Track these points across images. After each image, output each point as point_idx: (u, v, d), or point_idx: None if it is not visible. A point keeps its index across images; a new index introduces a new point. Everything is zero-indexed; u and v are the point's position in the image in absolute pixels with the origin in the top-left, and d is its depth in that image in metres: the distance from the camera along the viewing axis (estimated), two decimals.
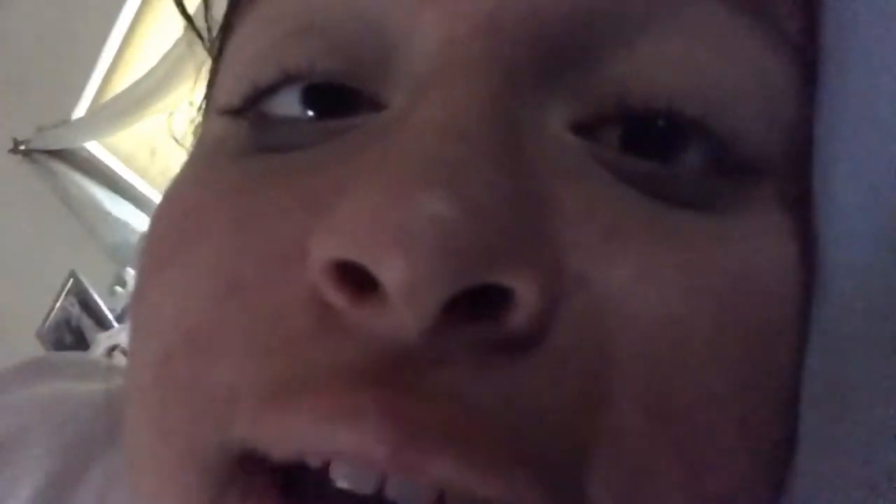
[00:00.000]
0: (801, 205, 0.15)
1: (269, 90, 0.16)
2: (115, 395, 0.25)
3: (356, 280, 0.12)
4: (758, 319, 0.14)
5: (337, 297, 0.12)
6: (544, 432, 0.12)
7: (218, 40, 0.20)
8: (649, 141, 0.14)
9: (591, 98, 0.15)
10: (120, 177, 1.55)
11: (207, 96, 0.21)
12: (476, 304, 0.12)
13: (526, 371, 0.12)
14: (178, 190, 0.17)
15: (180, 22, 0.25)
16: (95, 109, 1.55)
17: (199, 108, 0.22)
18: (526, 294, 0.12)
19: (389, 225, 0.11)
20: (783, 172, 0.15)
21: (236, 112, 0.17)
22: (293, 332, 0.13)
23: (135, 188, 1.53)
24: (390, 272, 0.11)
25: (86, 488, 0.24)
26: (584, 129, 0.15)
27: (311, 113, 0.16)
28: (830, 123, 0.14)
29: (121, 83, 1.51)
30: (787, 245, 0.15)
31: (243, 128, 0.17)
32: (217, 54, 0.20)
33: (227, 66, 0.18)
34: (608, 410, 0.12)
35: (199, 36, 0.23)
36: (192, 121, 0.23)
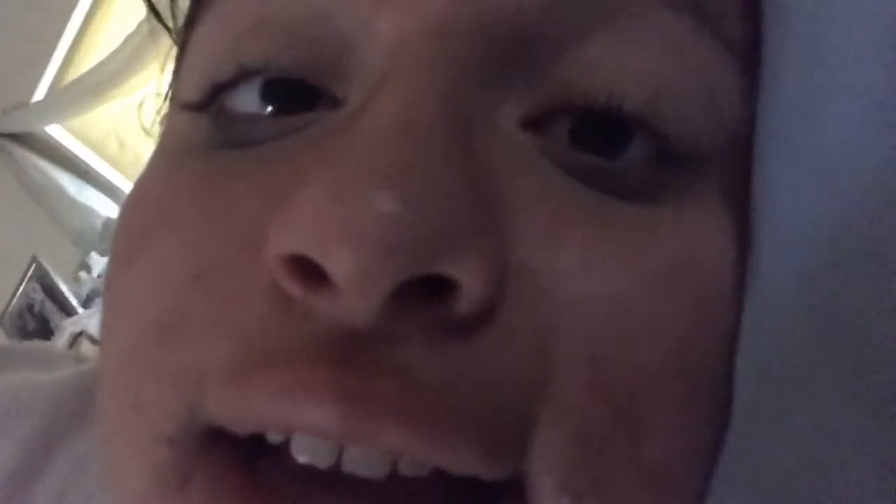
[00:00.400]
0: (741, 200, 0.16)
1: (228, 86, 0.17)
2: (84, 379, 0.26)
3: (310, 269, 0.13)
4: (693, 302, 0.15)
5: (292, 287, 0.13)
6: (490, 404, 0.13)
7: (182, 32, 0.21)
8: (596, 136, 0.15)
9: (540, 95, 0.15)
10: (84, 162, 1.52)
11: (172, 89, 0.21)
12: (426, 289, 0.13)
13: (474, 348, 0.13)
14: (145, 183, 0.18)
15: (142, 4, 0.25)
16: (56, 92, 1.51)
17: (165, 99, 0.22)
18: (469, 283, 0.13)
19: (336, 222, 0.12)
20: (725, 169, 0.16)
21: (198, 107, 0.18)
22: (254, 316, 0.14)
23: (99, 173, 1.50)
24: (337, 266, 0.12)
25: (45, 482, 0.24)
26: (535, 124, 0.15)
27: (270, 108, 0.17)
28: (769, 126, 0.15)
29: (82, 66, 1.48)
30: (725, 236, 0.15)
31: (205, 123, 0.17)
32: (181, 48, 0.21)
33: (189, 61, 0.19)
34: (552, 384, 0.13)
35: (165, 27, 0.23)
36: (159, 111, 0.24)
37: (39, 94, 1.54)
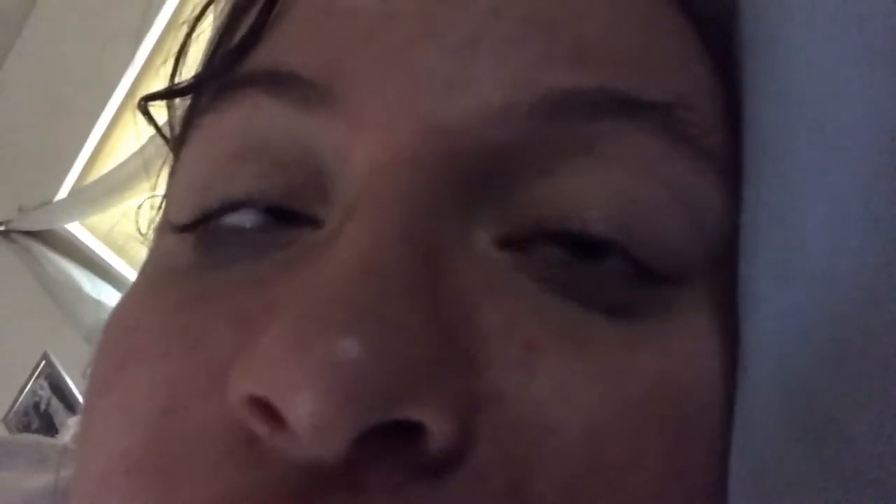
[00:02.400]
0: (728, 307, 0.15)
1: (214, 215, 0.17)
2: (60, 491, 0.25)
3: (274, 410, 0.12)
4: (676, 428, 0.14)
5: (258, 426, 0.13)
6: None
7: (174, 149, 0.21)
8: (574, 252, 0.15)
9: (512, 220, 0.15)
10: (99, 257, 1.55)
11: (162, 209, 0.21)
12: (393, 431, 0.13)
13: (444, 492, 0.13)
14: (123, 310, 0.18)
15: (161, 116, 0.27)
16: (76, 192, 1.56)
17: (158, 209, 0.22)
18: (435, 425, 0.13)
19: (293, 368, 0.12)
20: (710, 278, 0.15)
21: (184, 229, 0.18)
22: (221, 456, 0.13)
23: (113, 268, 1.52)
24: (295, 414, 0.12)
25: None
26: (510, 243, 0.15)
27: (254, 221, 0.17)
28: (750, 232, 0.15)
29: (103, 169, 1.53)
30: (711, 347, 0.15)
31: (189, 244, 0.18)
32: (172, 165, 0.21)
33: (178, 183, 0.19)
34: None
35: (168, 144, 0.24)
36: (152, 220, 0.24)
37: (62, 195, 1.59)
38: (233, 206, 0.17)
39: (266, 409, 0.13)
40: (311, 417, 0.12)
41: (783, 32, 0.15)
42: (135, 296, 0.18)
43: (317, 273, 0.14)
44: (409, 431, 0.13)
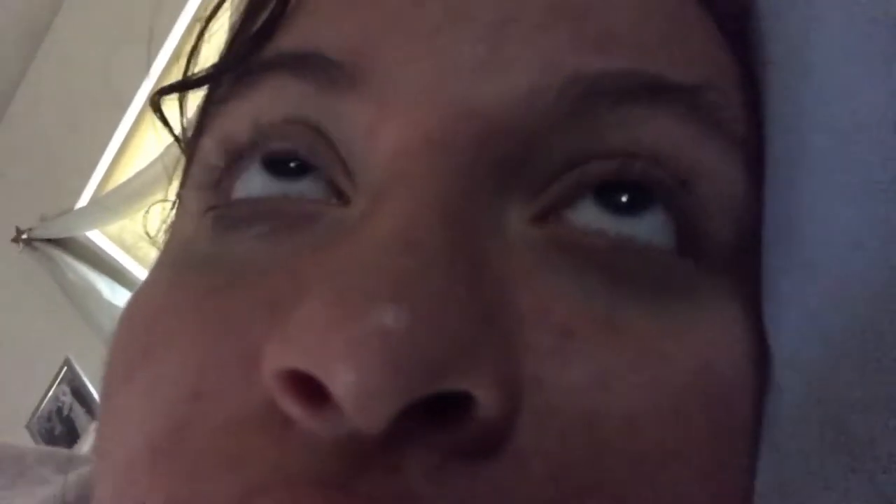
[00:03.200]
0: (752, 296, 0.15)
1: (242, 151, 0.17)
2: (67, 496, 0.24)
3: (310, 387, 0.12)
4: (715, 411, 0.14)
5: (292, 407, 0.12)
6: None
7: (191, 143, 0.21)
8: (605, 199, 0.15)
9: (546, 196, 0.15)
10: (119, 263, 1.57)
11: (178, 198, 0.21)
12: (434, 409, 0.12)
13: (485, 476, 0.12)
14: (143, 296, 0.17)
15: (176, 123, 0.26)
16: (96, 200, 1.58)
17: (172, 207, 0.22)
18: (484, 396, 0.12)
19: (339, 338, 0.12)
20: (736, 266, 0.15)
21: (205, 187, 0.17)
22: (252, 442, 0.13)
23: (133, 275, 1.54)
24: (340, 385, 0.11)
25: None
26: (545, 217, 0.15)
27: (272, 188, 0.17)
28: (773, 222, 0.15)
29: (123, 176, 1.55)
30: (741, 335, 0.15)
31: (207, 228, 0.17)
32: (188, 158, 0.21)
33: (195, 167, 0.19)
34: None
35: (180, 144, 0.24)
36: (164, 220, 0.24)
37: (83, 203, 1.61)
38: (265, 135, 0.17)
39: (303, 386, 0.12)
40: (359, 387, 0.11)
41: (800, 29, 0.15)
42: (156, 282, 0.18)
43: (354, 249, 0.13)
44: (451, 409, 0.12)
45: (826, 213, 0.14)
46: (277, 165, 0.17)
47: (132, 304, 0.17)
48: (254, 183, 0.17)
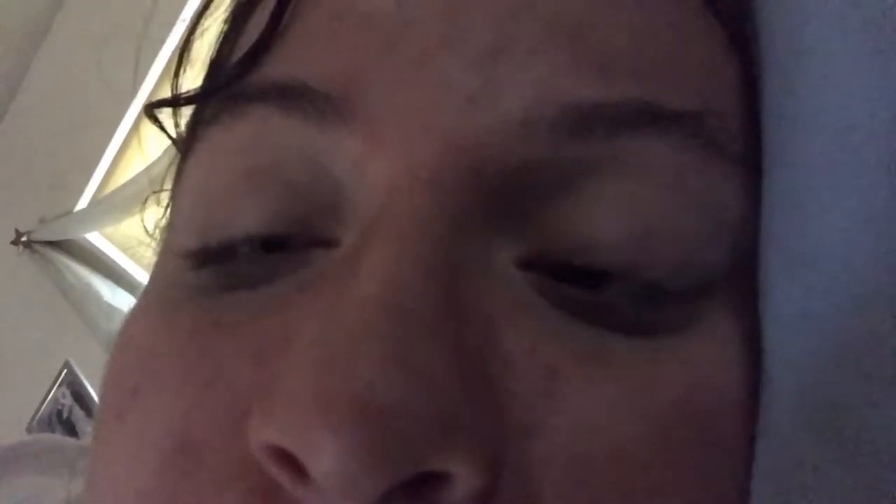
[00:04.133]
0: (749, 307, 0.15)
1: (217, 250, 0.16)
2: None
3: (296, 461, 0.12)
4: (705, 435, 0.14)
5: (278, 476, 0.12)
6: None
7: (178, 161, 0.20)
8: (583, 272, 0.15)
9: (533, 241, 0.15)
10: (118, 265, 1.57)
11: (166, 225, 0.21)
12: (419, 481, 0.12)
13: None
14: (134, 330, 0.17)
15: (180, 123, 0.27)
16: (95, 203, 1.58)
17: (165, 211, 0.22)
18: (463, 473, 0.12)
19: (319, 420, 0.11)
20: (730, 282, 0.15)
21: (189, 254, 0.17)
22: (235, 501, 0.13)
23: (133, 277, 1.54)
24: (321, 469, 0.11)
25: None
26: (530, 263, 0.15)
27: (263, 252, 0.16)
28: (769, 228, 0.15)
29: (121, 179, 1.55)
30: (734, 353, 0.15)
31: (192, 266, 0.17)
32: (176, 176, 0.20)
33: (182, 199, 0.18)
34: None
35: (178, 147, 0.23)
36: (157, 223, 0.24)
37: (82, 205, 1.61)
38: (236, 244, 0.16)
39: (288, 460, 0.12)
40: (338, 475, 0.11)
41: (797, 28, 0.15)
42: (145, 316, 0.17)
43: (337, 307, 0.13)
44: (435, 479, 0.12)
45: (823, 211, 0.14)
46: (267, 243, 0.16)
47: (126, 332, 0.17)
48: (243, 251, 0.17)
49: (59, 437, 0.31)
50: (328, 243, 0.16)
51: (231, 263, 0.16)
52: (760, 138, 0.16)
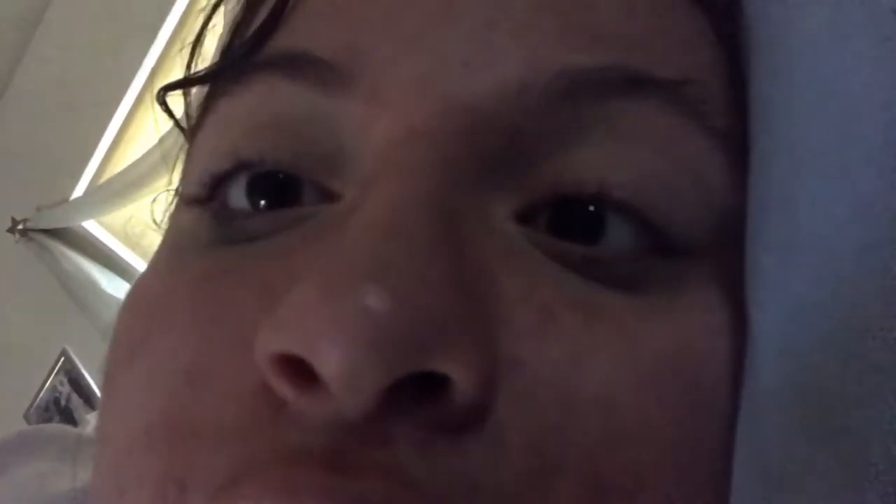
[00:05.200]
0: (735, 284, 0.15)
1: (225, 178, 0.17)
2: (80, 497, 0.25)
3: (300, 370, 0.12)
4: (689, 392, 0.14)
5: (283, 388, 0.13)
6: None
7: (190, 135, 0.21)
8: (578, 223, 0.16)
9: (529, 192, 0.16)
10: (115, 254, 1.57)
11: (178, 188, 0.22)
12: (417, 385, 0.13)
13: (467, 450, 0.13)
14: (145, 282, 0.18)
15: (178, 109, 0.27)
16: (92, 191, 1.58)
17: (174, 196, 0.23)
18: (461, 378, 0.13)
19: (323, 319, 0.12)
20: (717, 253, 0.16)
21: (199, 201, 0.18)
22: (244, 421, 0.13)
23: (130, 265, 1.54)
24: (326, 365, 0.12)
25: None
26: (524, 217, 0.16)
27: (263, 203, 0.17)
28: (756, 211, 0.15)
29: (119, 165, 1.54)
30: (719, 321, 0.15)
31: (206, 219, 0.18)
32: (188, 150, 0.21)
33: (192, 160, 0.20)
34: (547, 488, 0.13)
35: (185, 134, 0.24)
36: (167, 209, 0.24)
37: (79, 193, 1.61)
38: (244, 166, 0.17)
39: (293, 368, 0.13)
40: (343, 366, 0.12)
41: (786, 10, 0.15)
42: (155, 271, 0.18)
43: (341, 236, 0.14)
44: (432, 387, 0.13)
45: (810, 196, 0.14)
46: (263, 188, 0.17)
47: (134, 290, 0.18)
48: (240, 199, 0.18)
49: (60, 426, 0.32)
50: (329, 197, 0.16)
51: (234, 218, 0.17)
52: (747, 125, 0.16)
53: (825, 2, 0.14)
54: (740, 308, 0.15)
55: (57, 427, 0.32)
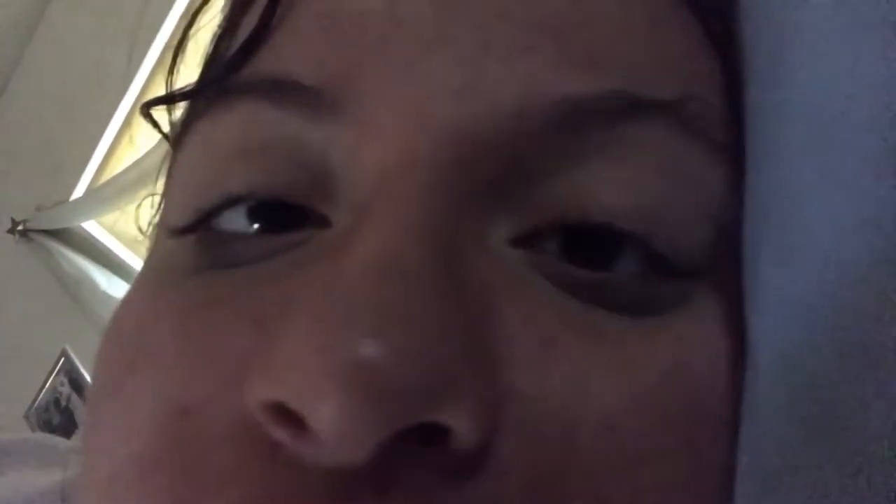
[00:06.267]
0: (734, 296, 0.15)
1: (213, 213, 0.17)
2: (69, 490, 0.25)
3: (294, 416, 0.12)
4: (693, 410, 0.14)
5: (278, 433, 0.13)
6: None
7: (171, 153, 0.21)
8: (586, 249, 0.15)
9: (530, 215, 0.15)
10: (115, 254, 1.56)
11: (160, 211, 0.21)
12: (414, 435, 0.12)
13: (471, 492, 0.13)
14: (127, 310, 0.17)
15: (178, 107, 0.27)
16: (91, 191, 1.58)
17: (157, 211, 0.22)
18: (460, 427, 0.12)
19: (316, 372, 0.12)
20: (718, 270, 0.16)
21: (183, 232, 0.17)
22: (239, 460, 0.13)
23: (130, 266, 1.53)
24: (318, 419, 0.12)
25: None
26: (524, 241, 0.15)
27: (256, 226, 0.17)
28: (756, 223, 0.15)
29: (119, 166, 1.54)
30: (720, 335, 0.15)
31: (191, 244, 0.17)
32: (169, 169, 0.20)
33: (175, 184, 0.19)
34: None
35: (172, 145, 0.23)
36: (152, 218, 0.24)
37: (79, 193, 1.61)
38: (232, 201, 0.17)
39: (287, 415, 0.12)
40: (336, 423, 0.11)
41: (780, 18, 0.15)
42: (140, 296, 0.17)
43: (335, 272, 0.13)
44: (432, 433, 0.12)
45: (806, 201, 0.14)
46: (259, 213, 0.17)
47: (117, 318, 0.17)
48: (237, 222, 0.17)
49: (49, 436, 0.31)
50: (320, 222, 0.16)
51: (222, 243, 0.17)
52: (743, 131, 0.16)
53: (822, 6, 0.14)
54: (740, 318, 0.15)
55: (46, 437, 0.31)
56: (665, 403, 0.14)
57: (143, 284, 0.18)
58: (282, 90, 0.16)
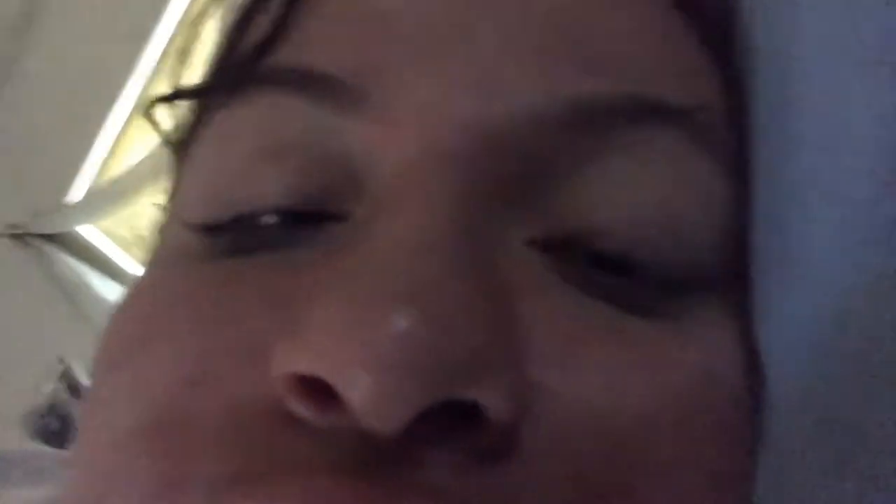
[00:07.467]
0: (743, 307, 0.16)
1: (250, 216, 0.17)
2: None
3: (321, 390, 0.12)
4: (718, 416, 0.14)
5: (302, 409, 0.12)
6: None
7: (181, 146, 0.21)
8: (608, 260, 0.16)
9: (543, 225, 0.16)
10: (113, 259, 1.56)
11: (170, 204, 0.21)
12: (447, 413, 0.12)
13: (502, 476, 0.13)
14: (141, 290, 0.17)
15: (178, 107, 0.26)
16: (89, 195, 1.57)
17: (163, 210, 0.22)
18: (494, 406, 0.12)
19: (354, 345, 0.12)
20: (725, 281, 0.16)
21: (209, 228, 0.17)
22: (257, 428, 0.13)
23: (128, 271, 1.53)
24: (354, 392, 0.12)
25: None
26: (542, 247, 0.16)
27: (277, 218, 0.17)
28: (759, 235, 0.16)
29: (117, 170, 1.54)
30: (734, 343, 0.16)
31: (210, 234, 0.17)
32: (179, 161, 0.21)
33: (192, 182, 0.19)
34: None
35: (172, 148, 0.23)
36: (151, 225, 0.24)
37: (77, 198, 1.60)
38: (268, 209, 0.17)
39: (312, 390, 0.12)
40: (373, 394, 0.11)
41: (786, 41, 0.16)
42: (153, 276, 0.18)
43: (368, 253, 0.13)
44: (462, 415, 0.12)
45: (811, 220, 0.15)
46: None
47: (130, 295, 0.17)
48: (264, 220, 0.17)
49: (39, 449, 0.32)
50: (343, 217, 0.16)
51: (247, 232, 0.17)
52: (743, 143, 0.17)
53: (823, 31, 0.15)
54: (747, 329, 0.16)
55: (36, 449, 0.31)
56: (693, 409, 0.14)
57: (157, 269, 0.18)
58: (307, 81, 0.16)
